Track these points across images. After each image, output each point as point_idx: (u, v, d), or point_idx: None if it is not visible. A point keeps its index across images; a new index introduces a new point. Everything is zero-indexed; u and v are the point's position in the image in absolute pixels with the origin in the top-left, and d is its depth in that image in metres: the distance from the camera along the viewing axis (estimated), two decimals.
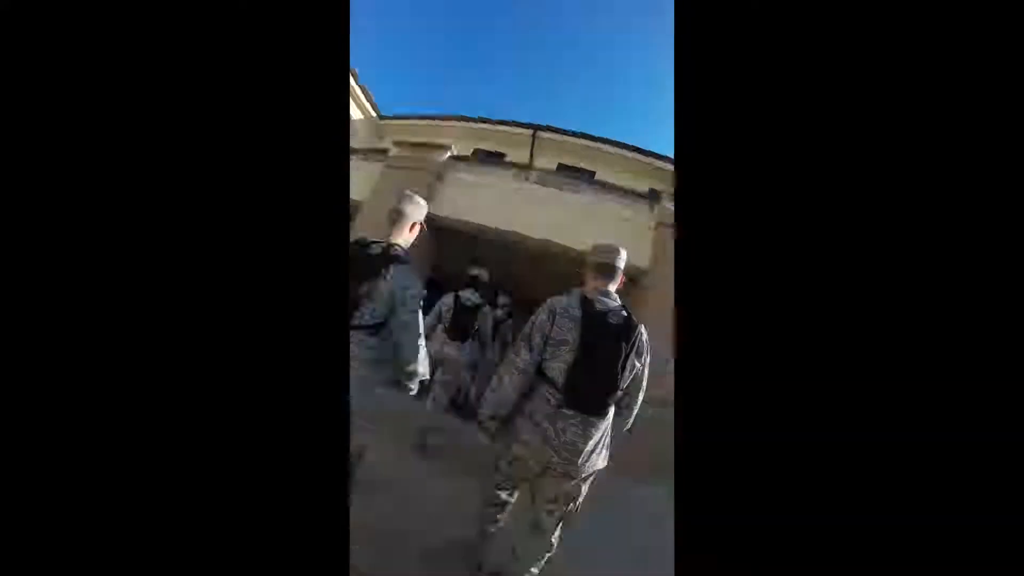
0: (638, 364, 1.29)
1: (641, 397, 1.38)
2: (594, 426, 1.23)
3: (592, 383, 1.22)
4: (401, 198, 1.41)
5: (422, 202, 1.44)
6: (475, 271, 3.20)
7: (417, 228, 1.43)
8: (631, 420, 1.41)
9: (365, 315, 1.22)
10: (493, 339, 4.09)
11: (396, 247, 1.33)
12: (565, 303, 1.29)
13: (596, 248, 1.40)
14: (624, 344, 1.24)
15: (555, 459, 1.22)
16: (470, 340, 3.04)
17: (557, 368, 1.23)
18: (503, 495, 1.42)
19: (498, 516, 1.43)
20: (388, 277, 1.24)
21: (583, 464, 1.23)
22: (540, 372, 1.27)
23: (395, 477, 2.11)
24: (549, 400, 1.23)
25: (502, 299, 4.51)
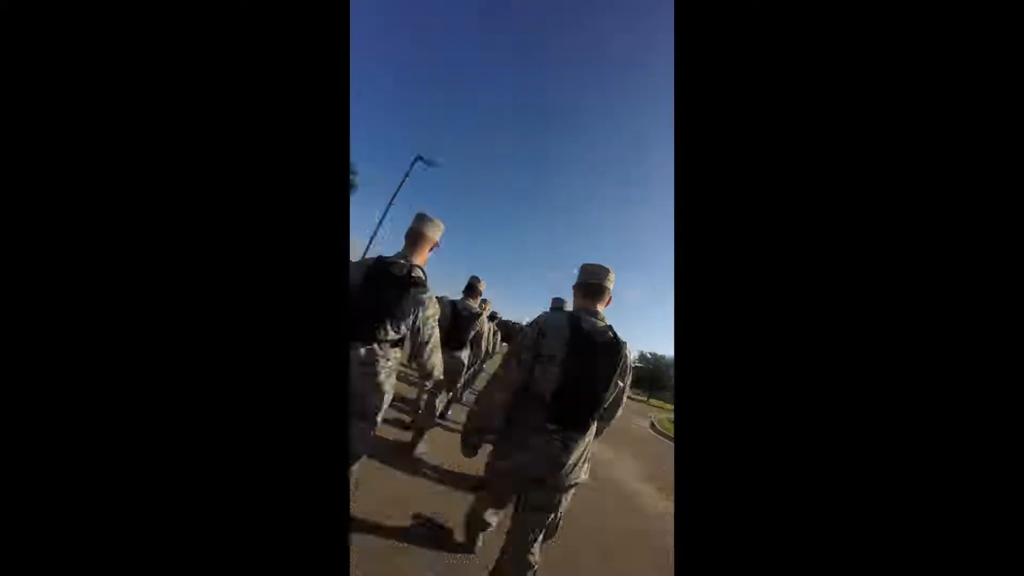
0: (621, 383, 1.33)
1: (619, 414, 1.44)
2: (575, 441, 1.26)
3: (576, 399, 1.25)
4: (422, 220, 1.49)
5: (440, 223, 1.52)
6: (473, 280, 3.23)
7: (433, 248, 1.53)
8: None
9: (389, 331, 1.34)
10: (488, 349, 4.10)
11: (417, 268, 1.42)
12: (554, 321, 1.31)
13: (585, 269, 1.43)
14: (609, 363, 1.28)
15: (539, 473, 1.24)
16: (466, 349, 3.05)
17: (543, 384, 1.25)
18: (488, 516, 1.41)
19: (480, 536, 1.43)
20: (411, 297, 1.35)
21: (566, 476, 1.26)
22: (526, 388, 1.29)
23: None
24: (535, 415, 1.25)
25: (493, 309, 4.50)
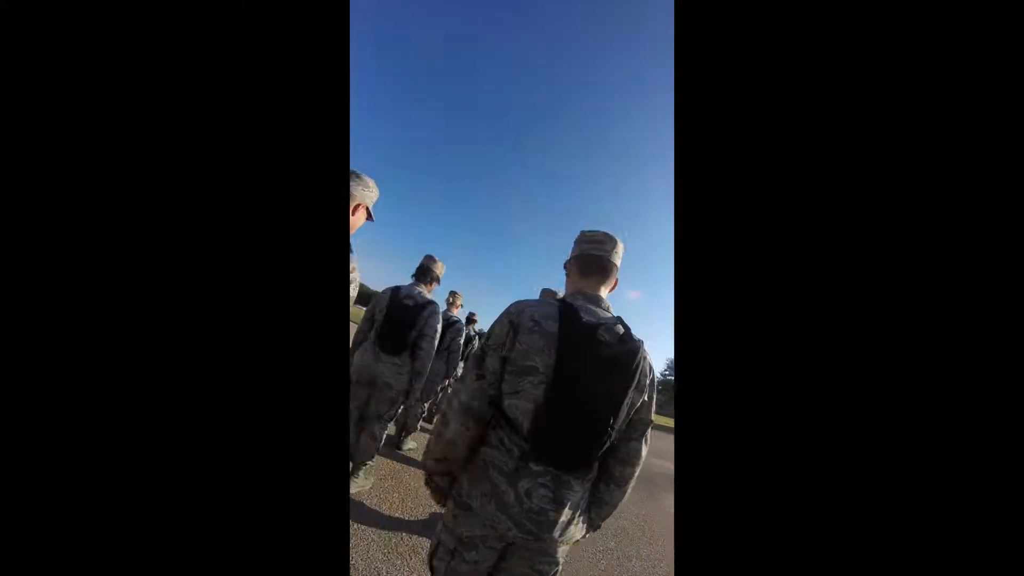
0: (639, 400, 0.91)
1: (645, 449, 0.95)
2: (571, 488, 0.86)
3: (571, 428, 0.85)
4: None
5: (369, 182, 1.13)
6: (427, 261, 2.35)
7: (362, 212, 1.14)
8: (627, 487, 0.96)
9: None
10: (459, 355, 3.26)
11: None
12: (536, 311, 0.89)
13: (584, 237, 1.01)
14: (620, 373, 0.87)
15: (515, 532, 0.85)
16: (406, 352, 2.18)
17: (521, 406, 0.86)
18: None
19: None
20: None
21: (557, 538, 0.86)
22: (499, 410, 0.90)
23: None
24: (510, 451, 0.86)
25: (459, 302, 3.54)
